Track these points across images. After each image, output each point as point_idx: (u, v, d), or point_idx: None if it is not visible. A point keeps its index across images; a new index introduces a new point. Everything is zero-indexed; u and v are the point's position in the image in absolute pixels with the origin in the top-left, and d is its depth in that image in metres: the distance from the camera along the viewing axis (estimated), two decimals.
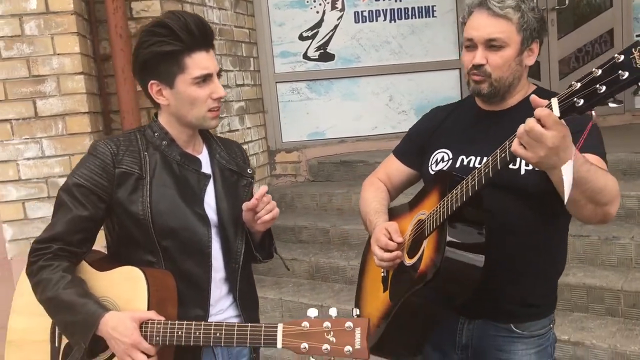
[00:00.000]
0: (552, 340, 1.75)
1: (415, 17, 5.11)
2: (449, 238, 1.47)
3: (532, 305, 1.68)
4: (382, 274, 1.76)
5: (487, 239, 1.50)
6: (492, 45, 1.58)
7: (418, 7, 5.10)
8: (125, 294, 1.52)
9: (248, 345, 1.43)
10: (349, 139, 5.10)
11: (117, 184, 1.54)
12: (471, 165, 1.66)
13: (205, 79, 1.55)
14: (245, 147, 4.56)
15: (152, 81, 1.57)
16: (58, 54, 3.17)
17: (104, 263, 1.60)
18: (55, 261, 1.51)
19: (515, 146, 1.28)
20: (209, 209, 1.63)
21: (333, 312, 1.35)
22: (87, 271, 1.57)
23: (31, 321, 1.60)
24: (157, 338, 1.45)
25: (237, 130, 4.47)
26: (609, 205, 1.41)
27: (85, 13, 3.39)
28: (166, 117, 1.62)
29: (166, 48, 1.51)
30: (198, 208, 1.61)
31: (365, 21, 5.06)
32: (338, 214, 4.38)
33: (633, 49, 1.12)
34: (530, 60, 1.65)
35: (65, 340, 1.56)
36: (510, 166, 1.58)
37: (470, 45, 1.62)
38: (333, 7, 5.02)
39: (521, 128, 1.26)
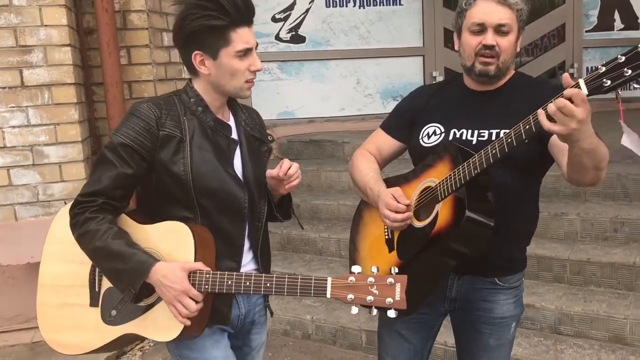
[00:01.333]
0: (522, 290, 2.00)
1: (383, 5, 5.35)
2: (468, 201, 1.64)
3: (514, 260, 1.92)
4: (386, 237, 1.89)
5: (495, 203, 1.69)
6: (500, 30, 1.77)
7: None
8: (169, 246, 1.64)
9: (298, 294, 1.55)
10: (318, 119, 5.31)
11: (160, 146, 1.63)
12: (464, 137, 1.84)
13: (246, 52, 1.64)
14: None
15: (196, 52, 1.64)
16: (45, 25, 3.24)
17: (140, 217, 1.71)
18: (101, 214, 1.61)
19: (545, 122, 1.46)
20: (237, 172, 1.75)
21: (375, 269, 1.55)
22: (129, 224, 1.68)
23: (66, 268, 1.73)
24: (206, 286, 1.58)
25: None
26: (604, 170, 1.63)
27: None
28: (203, 85, 1.71)
29: (215, 22, 1.59)
30: (232, 171, 1.72)
31: (336, 6, 5.26)
32: (308, 190, 4.60)
33: None
34: (518, 47, 1.86)
35: (105, 286, 1.70)
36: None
37: (480, 29, 1.78)
38: None
39: (552, 106, 1.43)
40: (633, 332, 2.94)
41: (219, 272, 1.61)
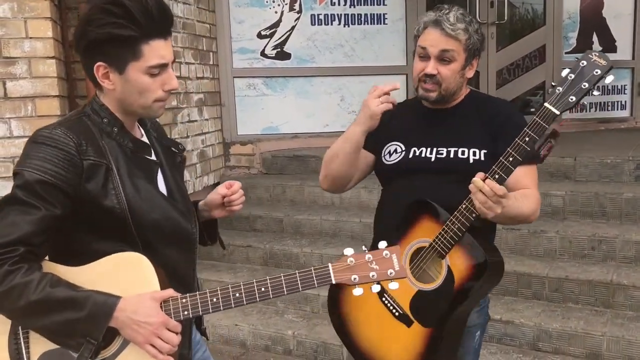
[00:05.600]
0: (487, 301, 2.07)
1: (368, 23, 5.41)
2: (482, 246, 1.74)
3: None
4: (395, 313, 1.84)
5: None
6: (443, 59, 1.85)
7: (371, 14, 5.40)
8: (123, 282, 1.41)
9: (301, 289, 1.44)
10: (302, 134, 5.34)
11: (86, 178, 1.39)
12: (423, 155, 1.91)
13: (160, 68, 1.44)
14: (202, 137, 4.73)
15: (99, 63, 1.42)
16: (30, 38, 3.24)
17: (62, 259, 1.45)
18: (25, 264, 1.34)
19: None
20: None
21: (364, 247, 1.52)
22: (60, 270, 1.42)
23: None
24: (185, 312, 1.41)
25: (196, 121, 4.63)
26: (529, 218, 1.88)
27: None
28: (111, 102, 1.49)
29: (123, 32, 1.37)
30: (169, 196, 1.55)
31: (321, 24, 5.32)
32: (291, 205, 4.61)
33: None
34: (470, 74, 1.94)
35: (37, 352, 1.40)
36: (460, 155, 1.88)
37: (424, 55, 1.87)
38: (291, 9, 5.25)
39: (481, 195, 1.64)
40: (609, 349, 2.98)
41: (197, 293, 1.44)
